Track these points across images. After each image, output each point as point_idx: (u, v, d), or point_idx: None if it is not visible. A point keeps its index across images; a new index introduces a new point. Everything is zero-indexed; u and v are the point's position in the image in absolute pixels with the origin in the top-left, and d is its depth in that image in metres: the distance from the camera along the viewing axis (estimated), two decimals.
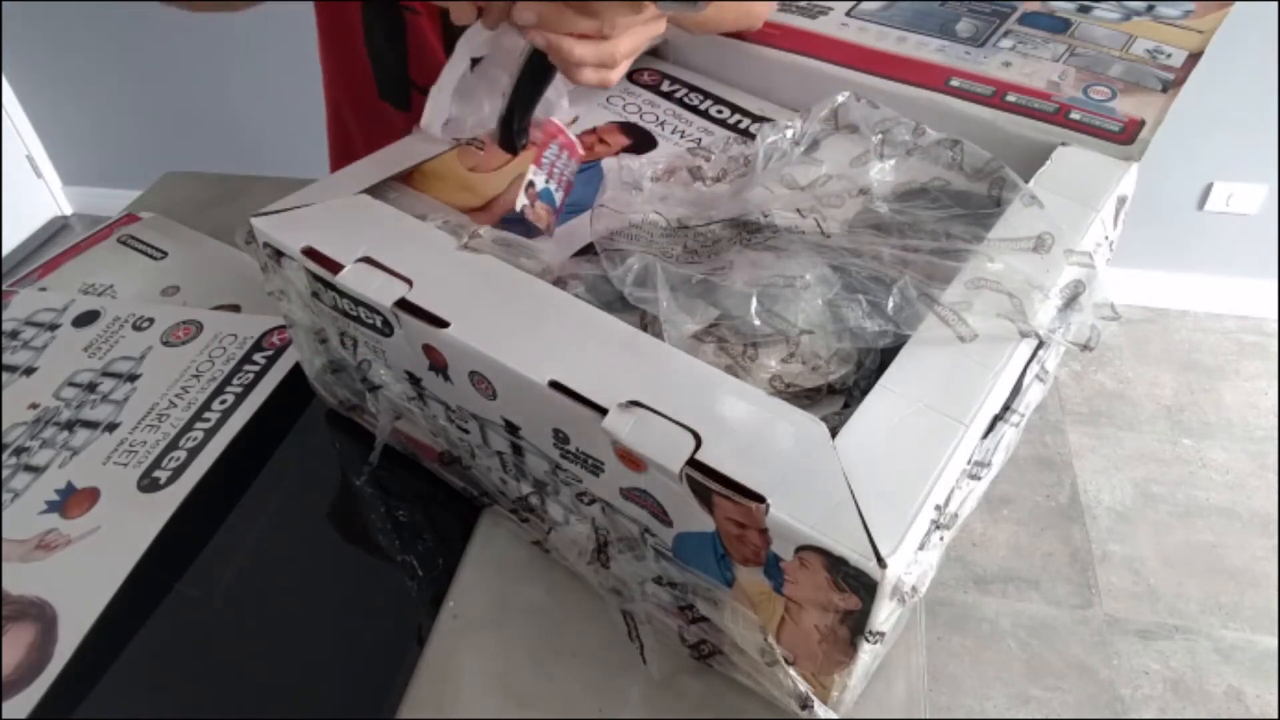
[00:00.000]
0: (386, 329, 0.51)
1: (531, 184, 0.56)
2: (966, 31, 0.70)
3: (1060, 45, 0.68)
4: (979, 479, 0.45)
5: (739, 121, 0.70)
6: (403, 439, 0.62)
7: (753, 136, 0.62)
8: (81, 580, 0.55)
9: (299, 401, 0.67)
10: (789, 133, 0.60)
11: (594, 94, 0.73)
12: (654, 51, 0.78)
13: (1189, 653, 1.41)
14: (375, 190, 0.59)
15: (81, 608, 0.53)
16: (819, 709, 0.46)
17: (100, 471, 0.62)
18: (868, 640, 0.40)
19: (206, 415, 0.65)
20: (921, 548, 0.38)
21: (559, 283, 0.52)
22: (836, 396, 0.48)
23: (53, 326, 0.74)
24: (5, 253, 2.36)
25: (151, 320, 0.74)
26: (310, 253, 0.52)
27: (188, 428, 0.64)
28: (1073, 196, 0.54)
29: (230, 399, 0.66)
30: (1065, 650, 1.41)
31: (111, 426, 0.65)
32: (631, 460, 0.42)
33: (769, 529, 0.38)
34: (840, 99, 0.62)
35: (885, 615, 0.39)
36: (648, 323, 0.50)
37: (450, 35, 0.75)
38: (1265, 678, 1.37)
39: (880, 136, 0.59)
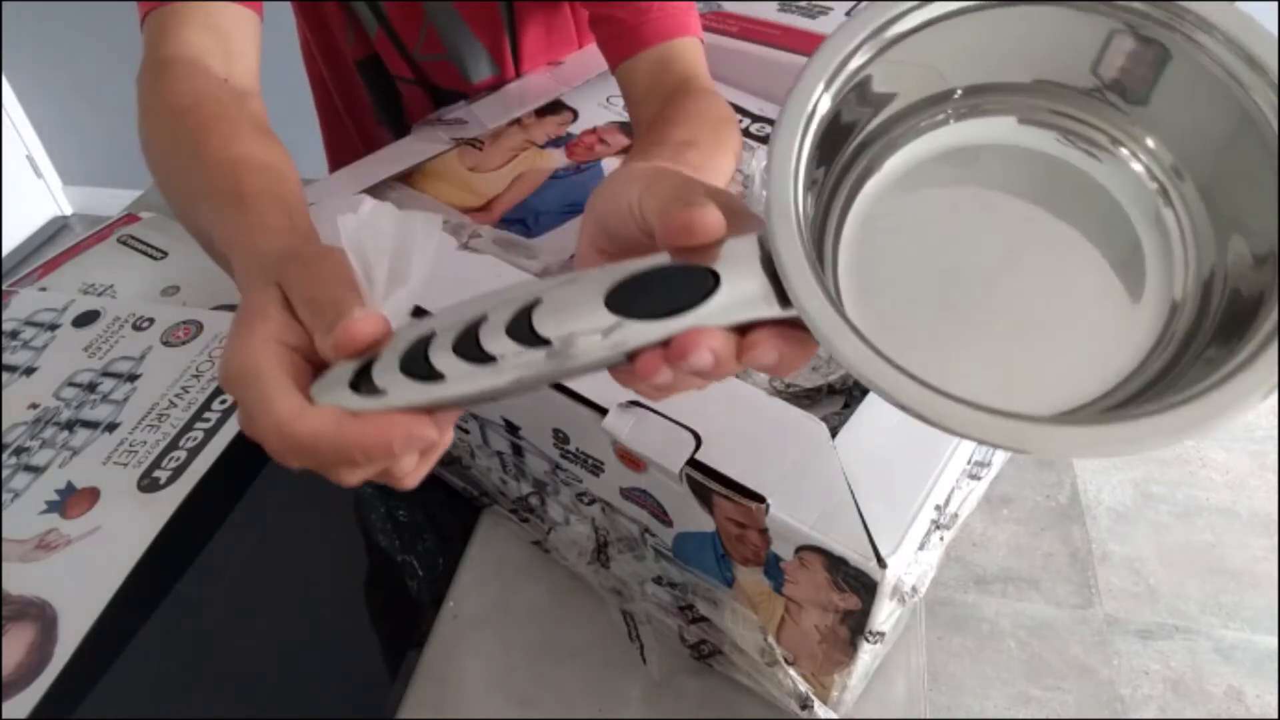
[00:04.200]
0: None
1: None
2: None
3: None
4: (979, 479, 0.45)
5: (739, 122, 0.69)
6: None
7: (753, 137, 0.62)
8: (81, 580, 0.55)
9: None
10: None
11: (594, 93, 0.73)
12: None
13: (1189, 653, 1.41)
14: (375, 190, 0.59)
15: (81, 608, 0.53)
16: (819, 709, 0.46)
17: (100, 471, 0.61)
18: (868, 640, 0.40)
19: (206, 415, 0.65)
20: (921, 548, 0.38)
21: None
22: (836, 396, 0.48)
23: (53, 326, 0.74)
24: (5, 253, 2.36)
25: (151, 320, 0.74)
26: None
27: (188, 428, 0.64)
28: None
29: (230, 399, 0.66)
30: (1065, 650, 1.41)
31: (111, 426, 0.65)
32: (631, 460, 0.42)
33: (769, 529, 0.38)
34: None
35: (885, 615, 0.39)
36: None
37: (443, 105, 0.75)
38: (1265, 678, 1.37)
39: None
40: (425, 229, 0.30)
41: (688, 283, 0.26)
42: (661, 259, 0.27)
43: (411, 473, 0.32)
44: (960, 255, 0.29)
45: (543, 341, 0.26)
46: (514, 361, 0.26)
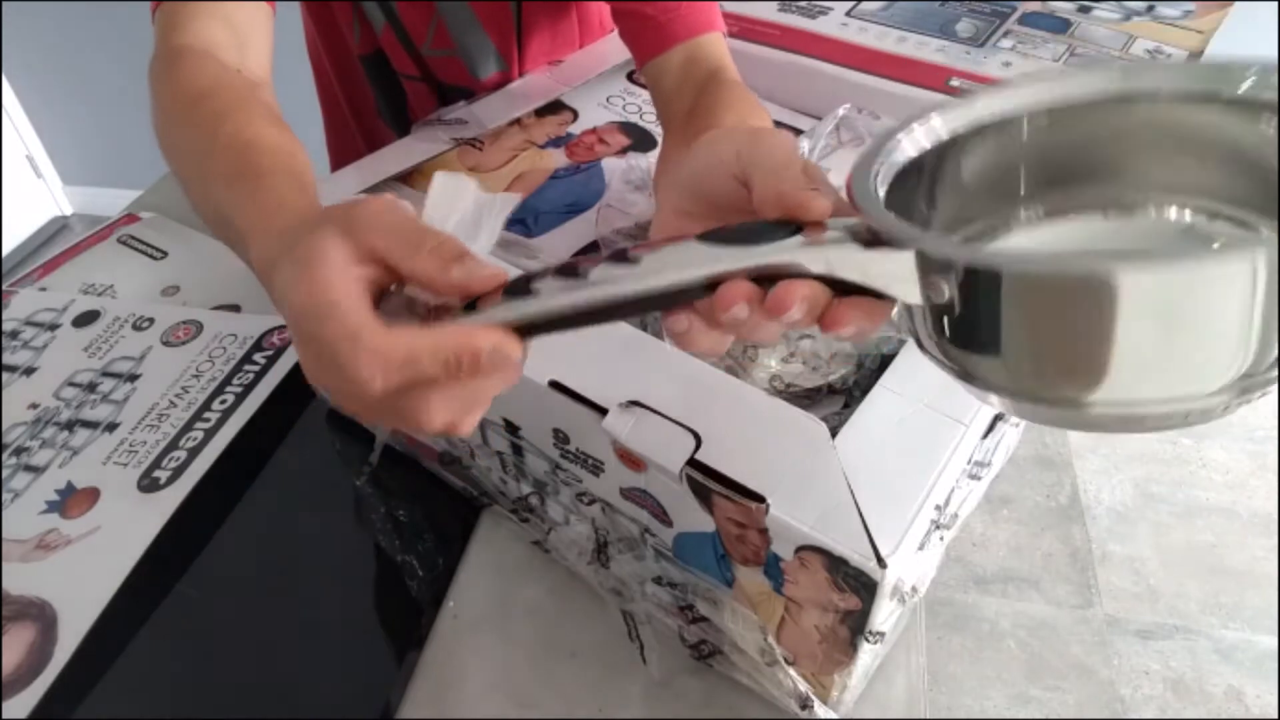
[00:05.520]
0: None
1: None
2: (966, 31, 0.70)
3: (1060, 45, 0.68)
4: (979, 479, 0.45)
5: None
6: (403, 439, 0.62)
7: None
8: (81, 580, 0.55)
9: (299, 401, 0.67)
10: None
11: (594, 94, 0.73)
12: None
13: (1189, 653, 1.41)
14: (375, 190, 0.59)
15: (81, 608, 0.53)
16: (819, 709, 0.46)
17: (100, 471, 0.61)
18: (868, 640, 0.40)
19: (206, 415, 0.65)
20: (921, 548, 0.38)
21: None
22: (836, 396, 0.48)
23: (53, 326, 0.74)
24: (5, 253, 2.36)
25: (151, 320, 0.74)
26: None
27: (188, 428, 0.64)
28: None
29: (230, 399, 0.66)
30: (1065, 650, 1.41)
31: (111, 426, 0.65)
32: (631, 460, 0.42)
33: (769, 529, 0.38)
34: (841, 112, 0.62)
35: (885, 615, 0.39)
36: (647, 323, 0.50)
37: (447, 102, 0.75)
38: (1265, 678, 1.37)
39: None
40: (503, 204, 0.32)
41: (776, 227, 0.28)
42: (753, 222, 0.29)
43: (484, 402, 0.32)
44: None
45: (633, 260, 0.28)
46: (605, 277, 0.28)
